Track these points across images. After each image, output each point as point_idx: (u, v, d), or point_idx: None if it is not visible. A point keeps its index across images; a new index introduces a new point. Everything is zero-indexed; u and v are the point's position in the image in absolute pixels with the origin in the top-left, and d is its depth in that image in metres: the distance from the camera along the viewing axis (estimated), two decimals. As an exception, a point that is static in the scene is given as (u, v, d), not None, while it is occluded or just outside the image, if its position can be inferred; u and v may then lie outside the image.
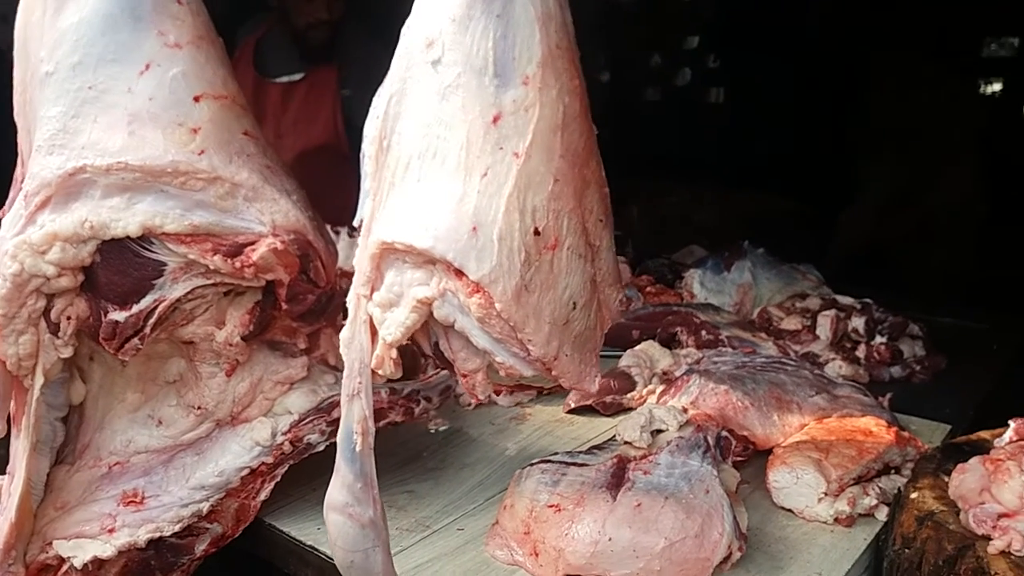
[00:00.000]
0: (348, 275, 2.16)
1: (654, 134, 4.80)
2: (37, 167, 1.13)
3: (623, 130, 4.62)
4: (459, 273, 0.89)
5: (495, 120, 0.88)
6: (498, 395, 1.38)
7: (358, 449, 1.00)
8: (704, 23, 5.00)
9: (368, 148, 0.95)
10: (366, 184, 0.96)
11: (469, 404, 1.68)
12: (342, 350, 1.00)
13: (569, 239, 0.92)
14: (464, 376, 0.97)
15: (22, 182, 1.26)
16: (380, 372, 0.97)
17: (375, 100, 0.95)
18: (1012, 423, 1.17)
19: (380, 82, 3.01)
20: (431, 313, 0.93)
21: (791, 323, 2.04)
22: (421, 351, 1.00)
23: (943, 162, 3.73)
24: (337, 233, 2.05)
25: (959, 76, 4.26)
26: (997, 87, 4.61)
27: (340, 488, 1.01)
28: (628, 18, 5.13)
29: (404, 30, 0.94)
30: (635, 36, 5.12)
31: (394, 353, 0.95)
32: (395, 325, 0.93)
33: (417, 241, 0.89)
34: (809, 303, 2.11)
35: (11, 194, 1.29)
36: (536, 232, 0.89)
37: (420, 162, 0.89)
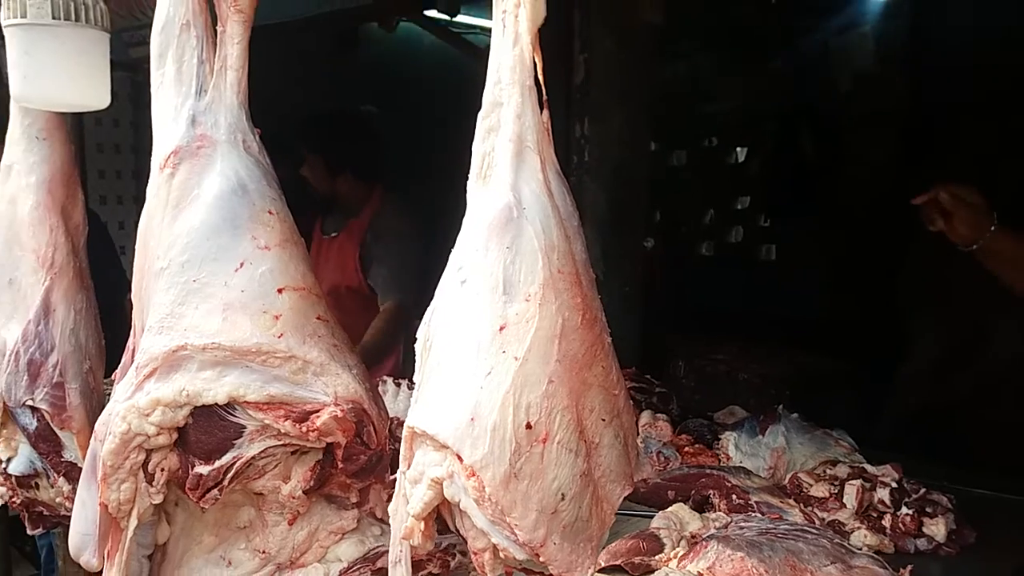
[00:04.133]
0: (401, 422, 2.37)
1: (706, 290, 4.98)
2: (148, 344, 1.37)
3: (675, 286, 4.83)
4: (459, 457, 1.07)
5: (501, 328, 1.08)
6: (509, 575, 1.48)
7: (400, 610, 1.16)
8: (754, 184, 5.26)
9: (418, 347, 1.16)
10: (416, 377, 1.16)
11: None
12: (390, 519, 1.17)
13: (560, 434, 1.08)
14: (475, 553, 1.12)
15: (133, 351, 1.51)
16: (410, 542, 1.13)
17: (427, 310, 1.17)
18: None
19: (399, 249, 3.44)
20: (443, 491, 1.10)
21: (819, 490, 2.13)
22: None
23: (991, 326, 3.79)
24: (398, 385, 2.27)
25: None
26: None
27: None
28: (682, 178, 5.45)
29: (450, 257, 1.16)
30: (689, 195, 5.41)
31: (423, 525, 1.12)
32: (417, 500, 1.11)
33: (428, 427, 1.09)
34: (838, 471, 2.20)
35: (124, 359, 1.55)
36: (528, 426, 1.05)
37: (447, 361, 1.10)
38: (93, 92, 1.73)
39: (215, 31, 1.43)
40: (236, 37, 1.40)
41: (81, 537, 1.44)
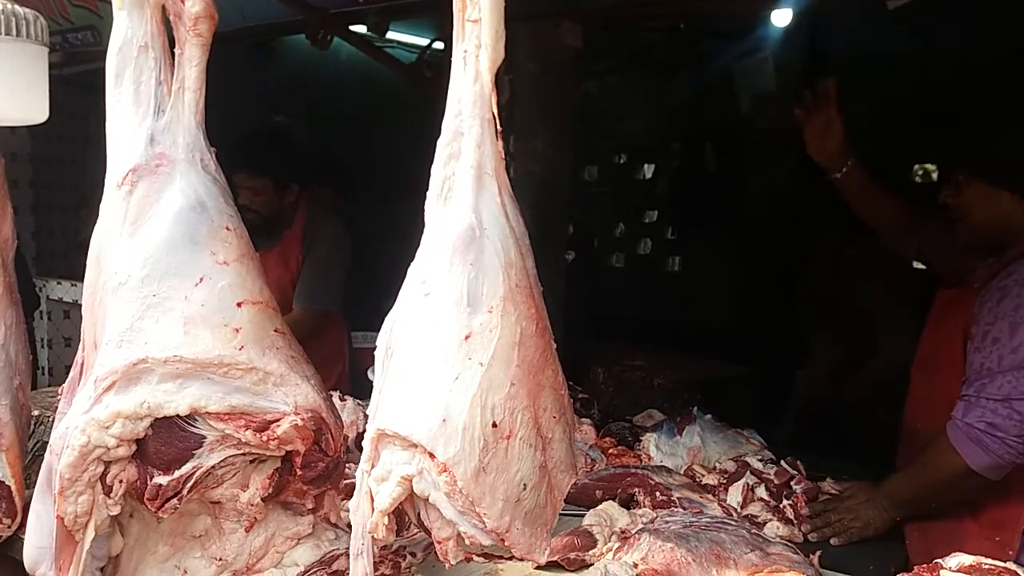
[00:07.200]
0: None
1: (619, 299, 5.19)
2: (107, 357, 1.39)
3: (591, 295, 5.00)
4: (431, 455, 1.15)
5: (466, 338, 1.17)
6: (468, 561, 1.58)
7: (362, 601, 1.23)
8: (661, 198, 5.51)
9: (378, 355, 1.24)
10: (376, 383, 1.23)
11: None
12: (351, 516, 1.24)
13: (522, 431, 1.18)
14: (439, 542, 1.21)
15: (82, 366, 1.52)
16: (375, 536, 1.21)
17: (385, 320, 1.24)
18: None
19: (337, 254, 3.49)
20: (412, 487, 1.18)
21: (711, 479, 2.33)
22: (408, 518, 1.24)
23: (881, 333, 4.10)
24: (344, 400, 2.32)
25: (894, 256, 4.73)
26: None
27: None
28: (594, 192, 5.64)
29: (409, 271, 1.24)
30: (601, 209, 5.61)
31: (387, 520, 1.20)
32: (385, 496, 1.19)
33: (401, 429, 1.16)
34: (727, 465, 2.40)
35: (72, 373, 1.56)
36: (494, 425, 1.15)
37: (412, 367, 1.18)
38: (32, 106, 1.73)
39: (172, 53, 1.47)
40: (194, 60, 1.44)
41: (37, 551, 1.44)
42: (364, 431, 2.55)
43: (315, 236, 3.50)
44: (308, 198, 3.51)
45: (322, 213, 3.68)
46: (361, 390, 3.06)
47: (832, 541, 2.18)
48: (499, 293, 1.18)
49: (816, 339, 4.36)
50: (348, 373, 3.75)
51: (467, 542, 1.20)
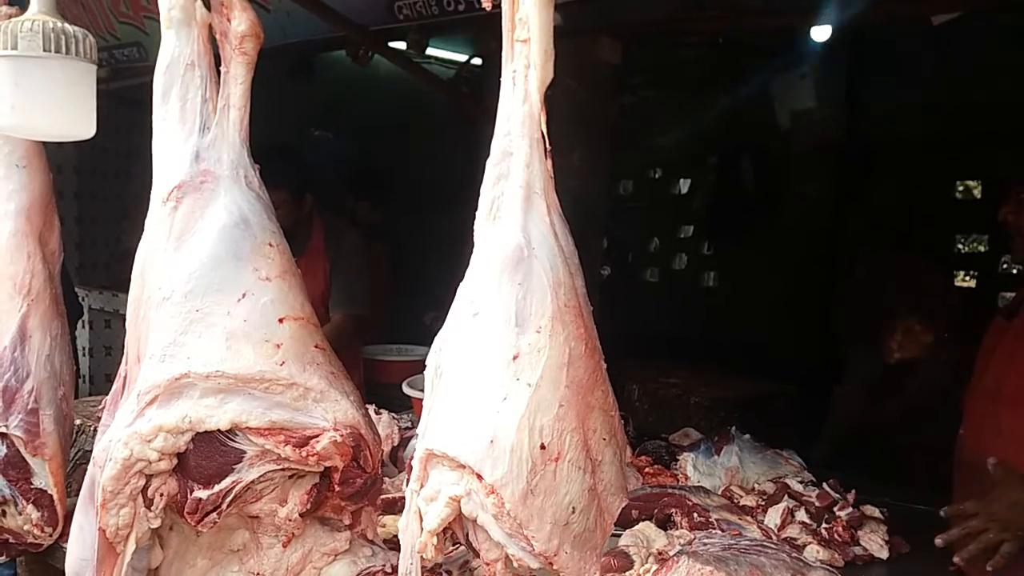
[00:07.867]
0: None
1: (653, 315, 5.14)
2: (150, 372, 1.41)
3: (626, 311, 4.97)
4: (479, 476, 1.14)
5: (514, 358, 1.16)
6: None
7: (409, 621, 1.23)
8: (697, 213, 5.47)
9: (427, 374, 1.24)
10: (426, 402, 1.24)
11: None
12: (400, 535, 1.24)
13: (570, 453, 1.17)
14: (487, 564, 1.20)
15: (125, 378, 1.54)
16: (423, 556, 1.20)
17: (435, 339, 1.24)
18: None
19: (363, 259, 3.49)
20: (460, 508, 1.17)
21: (749, 500, 2.28)
22: (457, 539, 1.24)
23: (924, 352, 4.01)
24: (379, 414, 2.33)
25: (935, 269, 4.64)
26: (971, 281, 4.99)
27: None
28: (629, 207, 5.62)
29: (458, 291, 1.24)
30: (636, 224, 5.59)
31: (435, 540, 1.19)
32: (434, 516, 1.18)
33: (449, 449, 1.16)
34: (766, 487, 2.35)
35: (115, 386, 1.58)
36: (542, 446, 1.14)
37: (460, 386, 1.18)
38: (80, 122, 1.76)
39: (218, 71, 1.49)
40: (239, 78, 1.46)
41: (79, 562, 1.46)
42: (398, 445, 2.57)
43: (339, 245, 3.56)
44: (320, 208, 3.56)
45: (338, 222, 3.74)
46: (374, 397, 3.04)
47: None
48: (547, 313, 1.17)
49: (854, 357, 4.27)
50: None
51: (515, 565, 1.19)
